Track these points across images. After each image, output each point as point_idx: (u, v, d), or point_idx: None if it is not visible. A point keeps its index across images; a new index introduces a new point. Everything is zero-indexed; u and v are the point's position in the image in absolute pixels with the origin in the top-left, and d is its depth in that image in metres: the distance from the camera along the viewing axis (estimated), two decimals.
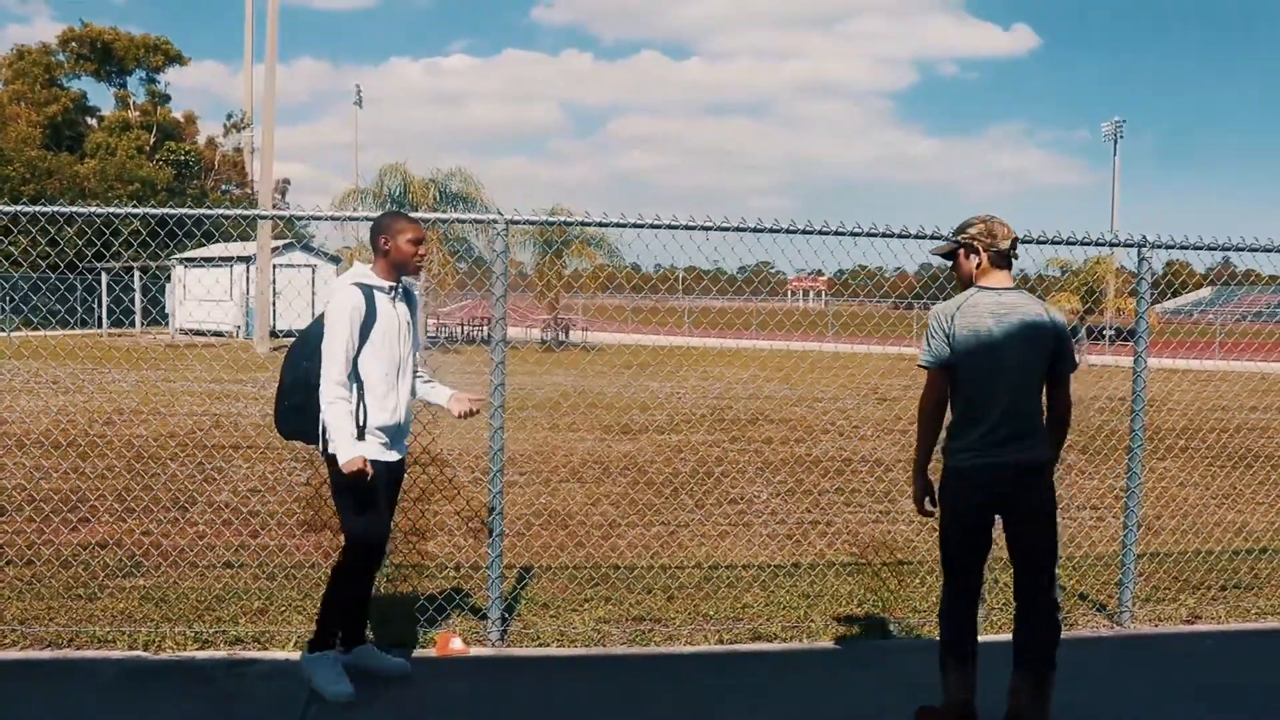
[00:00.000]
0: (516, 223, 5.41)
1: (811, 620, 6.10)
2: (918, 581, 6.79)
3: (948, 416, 4.48)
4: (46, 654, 5.40)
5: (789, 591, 6.60)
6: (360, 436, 4.74)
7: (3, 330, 36.47)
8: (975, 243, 4.45)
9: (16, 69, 61.51)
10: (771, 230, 5.73)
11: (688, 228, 5.63)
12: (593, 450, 12.00)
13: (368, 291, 4.80)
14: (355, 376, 4.76)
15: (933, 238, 5.78)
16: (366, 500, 4.79)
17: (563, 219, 5.59)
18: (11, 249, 41.25)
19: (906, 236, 5.83)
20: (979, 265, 4.45)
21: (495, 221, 5.34)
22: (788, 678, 5.43)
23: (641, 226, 5.59)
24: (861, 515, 8.92)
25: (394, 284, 4.91)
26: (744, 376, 21.66)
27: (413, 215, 5.49)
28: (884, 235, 5.80)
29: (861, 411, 16.33)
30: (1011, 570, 4.54)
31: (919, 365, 4.46)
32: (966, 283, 4.51)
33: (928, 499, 4.58)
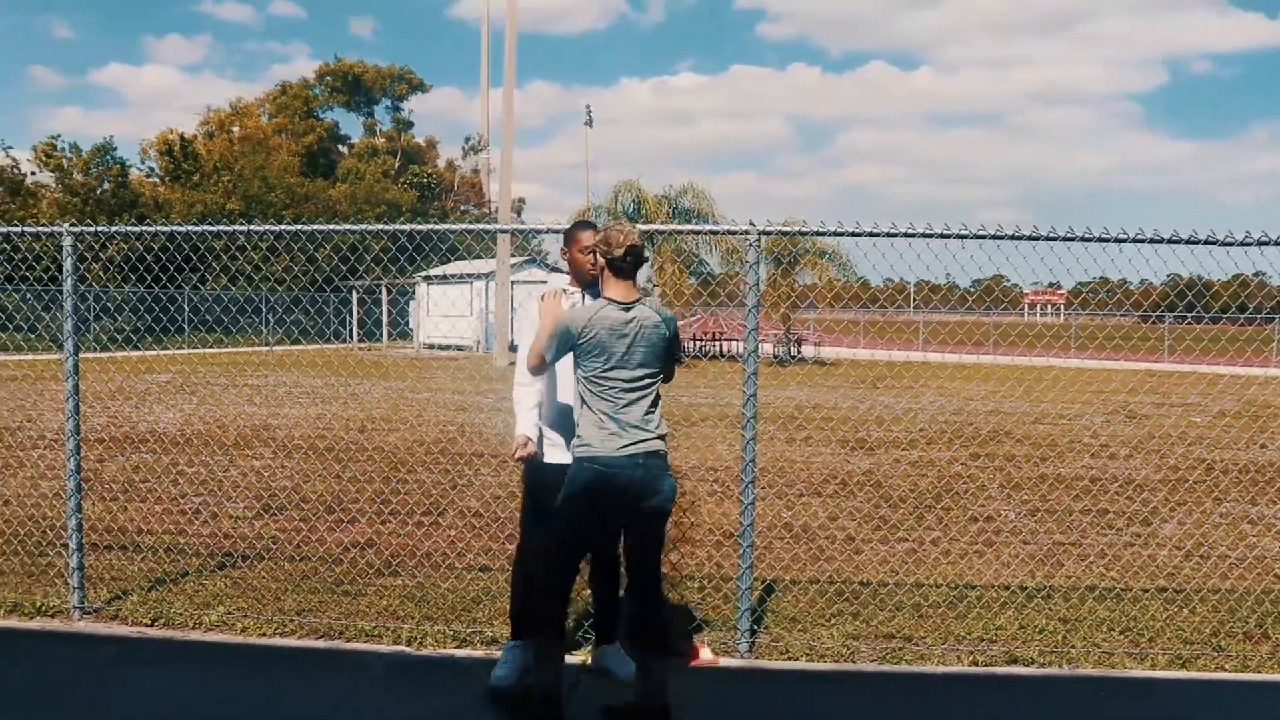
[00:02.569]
0: (768, 233, 5.39)
1: (1071, 646, 5.80)
2: (1188, 611, 6.36)
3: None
4: (321, 644, 5.76)
5: (1044, 615, 6.30)
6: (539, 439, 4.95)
7: (267, 344, 39.34)
8: (595, 250, 4.58)
9: (279, 103, 66.55)
10: (1013, 237, 5.49)
11: (926, 235, 5.48)
12: (831, 465, 11.84)
13: None
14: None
15: (1189, 242, 5.42)
16: (531, 502, 5.04)
17: (814, 230, 5.54)
18: (277, 267, 44.46)
19: (1158, 241, 5.44)
20: (602, 271, 4.55)
21: (748, 233, 5.34)
22: (1048, 705, 5.19)
23: (882, 235, 5.47)
24: (1117, 538, 8.44)
25: (579, 291, 5.01)
26: (981, 392, 20.94)
27: (664, 227, 5.60)
28: (1133, 240, 5.44)
29: (1110, 429, 15.51)
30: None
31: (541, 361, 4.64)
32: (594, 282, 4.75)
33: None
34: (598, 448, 4.46)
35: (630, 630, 4.85)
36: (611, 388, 4.45)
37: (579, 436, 4.52)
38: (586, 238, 4.90)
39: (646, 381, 4.51)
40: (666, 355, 4.60)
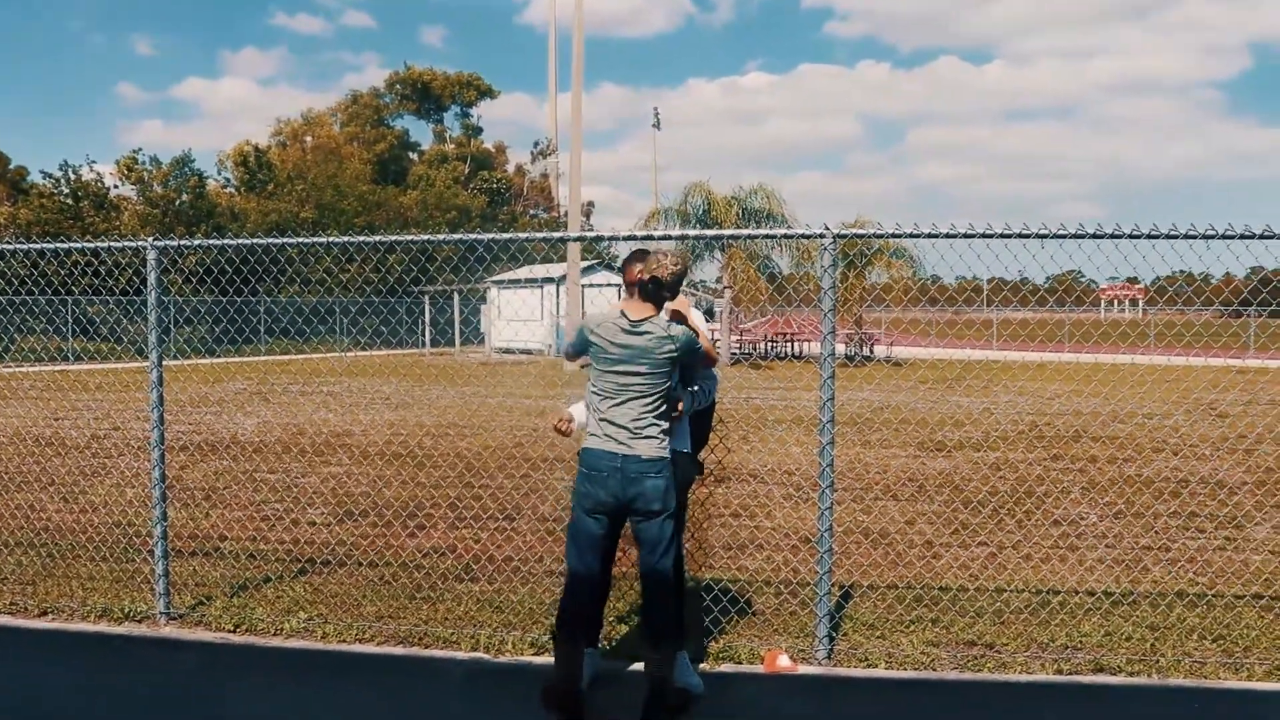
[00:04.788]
0: (844, 236, 5.34)
1: (1160, 655, 5.65)
2: None
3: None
4: (400, 650, 5.82)
5: (1131, 622, 6.14)
6: None
7: (341, 351, 39.92)
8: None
9: (351, 112, 67.49)
10: (1093, 236, 5.34)
11: (1004, 236, 5.35)
12: (906, 467, 11.69)
13: None
14: None
15: (1264, 236, 5.24)
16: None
17: (890, 232, 5.45)
18: (343, 276, 45.10)
19: (1230, 237, 5.26)
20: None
21: (823, 236, 5.29)
22: (1139, 716, 5.07)
23: (958, 236, 5.37)
24: (1206, 541, 8.21)
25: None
26: (1058, 391, 20.56)
27: (739, 232, 5.57)
28: (1204, 237, 5.26)
29: (1194, 428, 15.11)
30: None
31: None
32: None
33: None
34: (589, 442, 4.87)
35: (643, 628, 5.02)
36: (604, 389, 4.83)
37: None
38: (633, 271, 5.07)
39: (637, 389, 4.79)
40: (670, 368, 4.82)
